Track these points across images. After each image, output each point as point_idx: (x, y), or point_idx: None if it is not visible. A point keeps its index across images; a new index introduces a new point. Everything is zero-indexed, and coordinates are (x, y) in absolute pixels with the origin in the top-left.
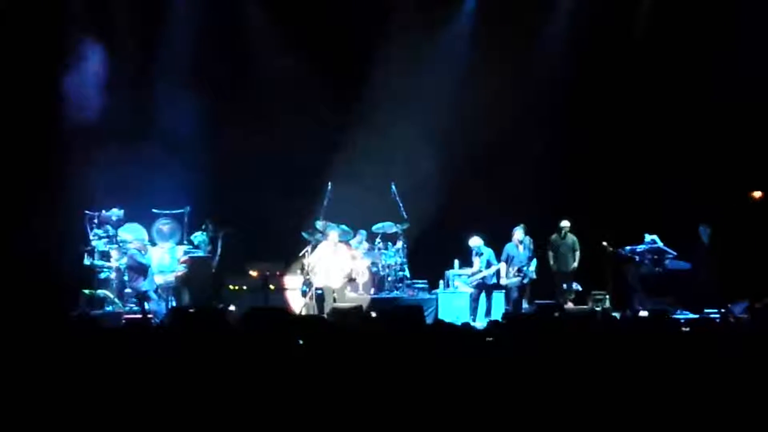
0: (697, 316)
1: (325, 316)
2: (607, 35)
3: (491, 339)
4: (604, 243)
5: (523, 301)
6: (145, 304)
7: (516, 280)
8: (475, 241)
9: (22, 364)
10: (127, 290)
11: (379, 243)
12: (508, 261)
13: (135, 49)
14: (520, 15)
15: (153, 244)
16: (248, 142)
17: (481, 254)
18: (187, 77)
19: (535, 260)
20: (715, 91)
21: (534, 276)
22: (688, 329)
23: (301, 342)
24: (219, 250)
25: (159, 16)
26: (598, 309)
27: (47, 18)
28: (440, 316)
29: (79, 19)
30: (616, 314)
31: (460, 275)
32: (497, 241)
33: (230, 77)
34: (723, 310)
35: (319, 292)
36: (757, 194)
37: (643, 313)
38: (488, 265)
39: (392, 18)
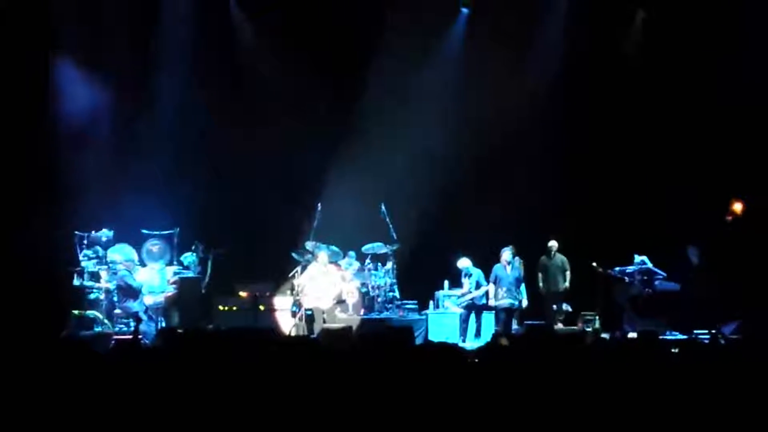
0: (686, 337)
1: (315, 336)
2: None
3: (477, 360)
4: (594, 264)
5: (513, 321)
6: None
7: (505, 302)
8: (464, 263)
9: (10, 385)
10: (117, 311)
11: (369, 264)
12: (496, 282)
13: (128, 69)
14: (515, 25)
15: (143, 264)
16: (239, 162)
17: (470, 275)
18: (177, 101)
19: (524, 286)
20: (709, 109)
21: (524, 305)
22: (677, 350)
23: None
24: (209, 271)
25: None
26: (588, 330)
27: (38, 29)
28: (430, 337)
29: (70, 34)
30: (606, 335)
31: (449, 296)
32: (489, 263)
33: (218, 99)
34: (713, 331)
35: (309, 312)
36: (738, 207)
37: (633, 334)
38: (477, 286)
39: (386, 34)
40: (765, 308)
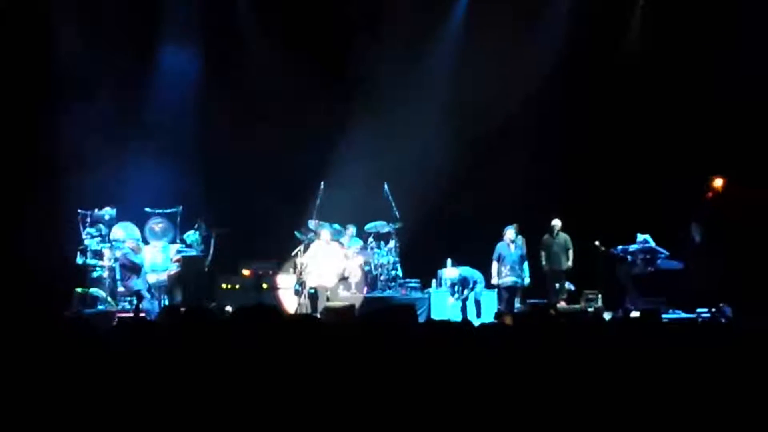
0: (689, 315)
1: (318, 315)
2: (605, 34)
3: (480, 339)
4: (597, 242)
5: (516, 300)
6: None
7: (508, 279)
8: (451, 273)
9: (14, 363)
10: (120, 289)
11: (371, 242)
12: (500, 260)
13: (127, 48)
14: (514, 14)
15: (146, 243)
16: (241, 141)
17: (461, 279)
18: (180, 76)
19: (527, 263)
20: (710, 90)
21: (527, 282)
22: (678, 329)
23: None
24: (211, 250)
25: (152, 16)
26: (590, 309)
27: (37, 16)
28: (432, 316)
29: (69, 17)
30: (608, 314)
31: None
32: (490, 242)
33: (225, 76)
34: (714, 310)
35: (312, 291)
36: (718, 183)
37: (635, 313)
38: (473, 285)
39: (386, 18)
40: (764, 289)
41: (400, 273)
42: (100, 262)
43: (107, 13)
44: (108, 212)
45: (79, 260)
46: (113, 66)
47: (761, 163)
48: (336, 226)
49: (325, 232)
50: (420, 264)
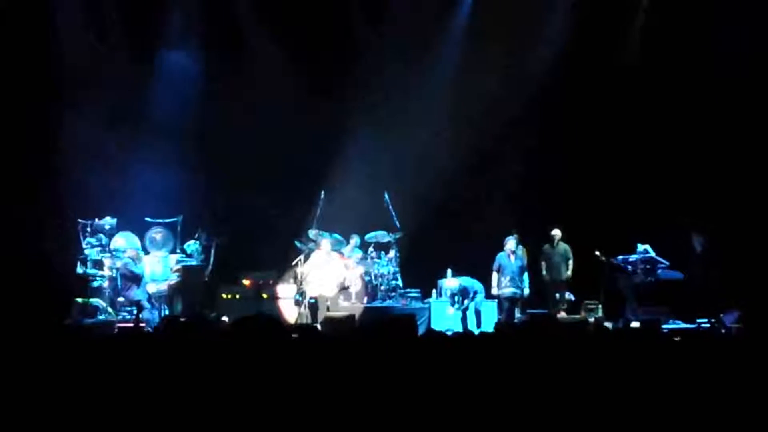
0: (689, 326)
1: (319, 324)
2: (603, 41)
3: (480, 349)
4: (597, 252)
5: (516, 310)
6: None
7: (508, 290)
8: (451, 283)
9: (14, 372)
10: (120, 299)
11: (372, 252)
12: (500, 271)
13: (127, 54)
14: (516, 17)
15: (146, 252)
16: (242, 150)
17: (462, 290)
18: (180, 80)
19: (527, 274)
20: (712, 95)
21: (527, 294)
22: (678, 339)
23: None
24: (212, 259)
25: (153, 32)
26: (590, 319)
27: (40, 15)
28: (433, 326)
29: (72, 18)
30: (609, 324)
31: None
32: (490, 252)
33: (225, 77)
34: (713, 320)
35: (313, 300)
36: None
37: (635, 324)
38: (468, 292)
39: (387, 19)
40: (766, 298)
41: (400, 283)
42: (101, 272)
43: (108, 17)
44: (108, 222)
45: (80, 270)
46: (113, 69)
47: (763, 168)
48: (336, 235)
49: (325, 242)
50: (420, 274)
